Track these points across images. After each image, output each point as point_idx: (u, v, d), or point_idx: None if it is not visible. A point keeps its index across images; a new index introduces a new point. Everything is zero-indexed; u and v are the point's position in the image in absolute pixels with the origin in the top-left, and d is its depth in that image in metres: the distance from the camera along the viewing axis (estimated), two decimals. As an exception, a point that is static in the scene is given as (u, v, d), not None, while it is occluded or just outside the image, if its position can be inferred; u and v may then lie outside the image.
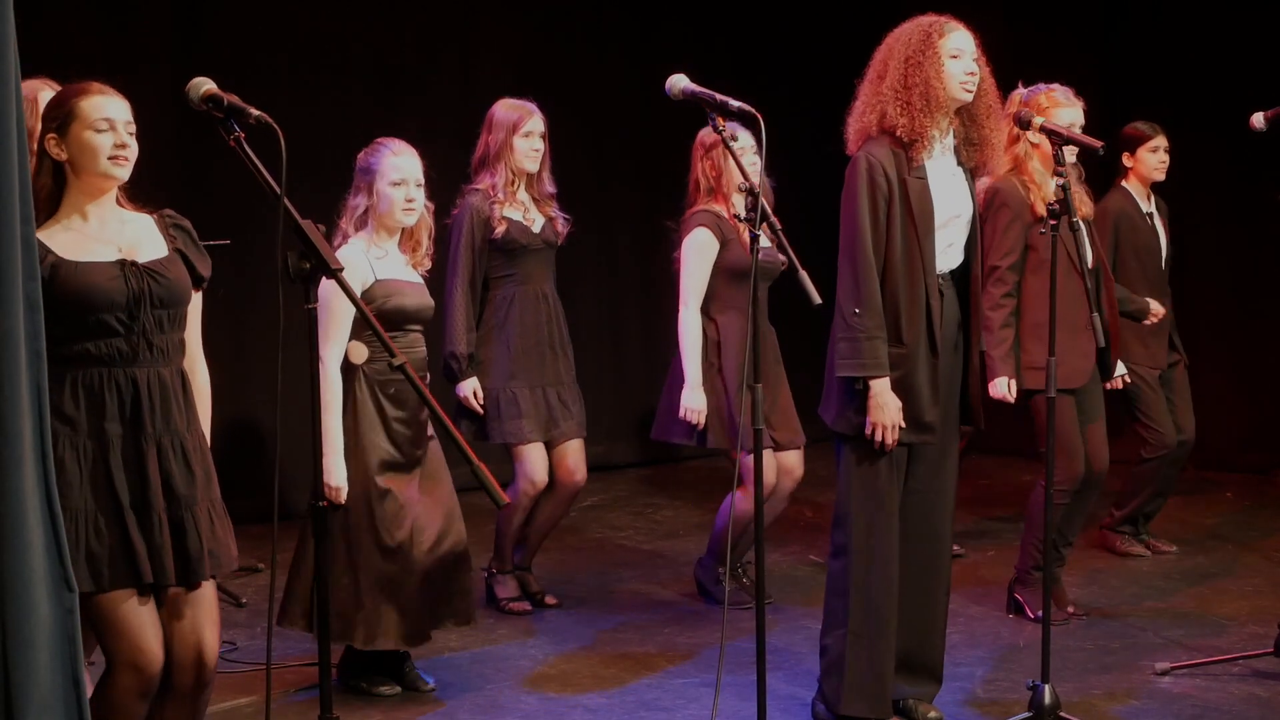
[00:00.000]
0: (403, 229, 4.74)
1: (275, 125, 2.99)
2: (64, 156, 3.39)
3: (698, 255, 5.58)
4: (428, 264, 4.83)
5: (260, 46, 7.32)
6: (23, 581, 2.75)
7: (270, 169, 3.00)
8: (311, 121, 7.03)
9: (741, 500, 5.55)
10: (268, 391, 7.10)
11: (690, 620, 5.62)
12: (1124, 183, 6.31)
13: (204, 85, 3.13)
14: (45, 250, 3.32)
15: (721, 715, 4.46)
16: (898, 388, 4.19)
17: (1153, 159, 6.28)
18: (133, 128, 3.42)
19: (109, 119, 3.38)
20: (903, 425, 4.19)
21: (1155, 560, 6.39)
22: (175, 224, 3.56)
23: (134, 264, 3.40)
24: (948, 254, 4.29)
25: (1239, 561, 6.39)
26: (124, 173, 3.42)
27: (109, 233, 3.44)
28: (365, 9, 7.81)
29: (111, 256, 3.40)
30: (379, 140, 4.78)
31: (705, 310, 5.62)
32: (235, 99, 3.10)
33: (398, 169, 4.67)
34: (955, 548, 6.50)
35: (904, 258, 4.18)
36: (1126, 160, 6.30)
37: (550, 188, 5.67)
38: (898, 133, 4.16)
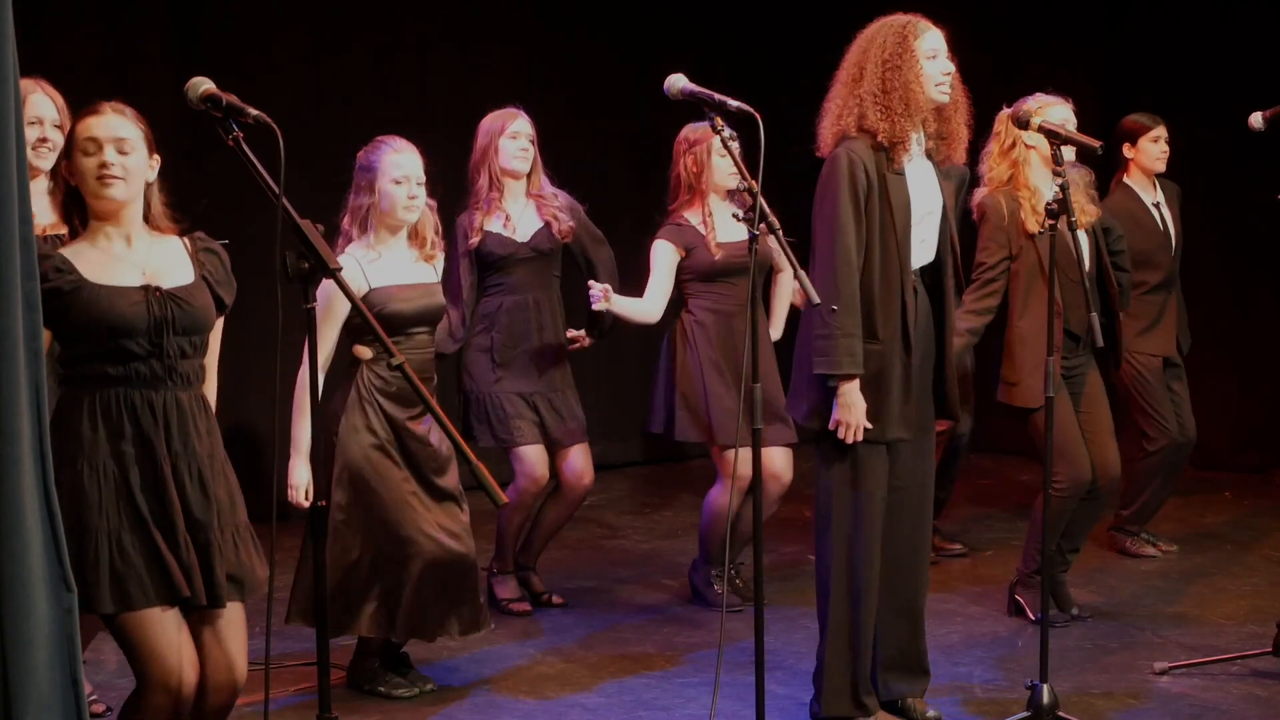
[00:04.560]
0: (407, 226, 4.75)
1: (274, 125, 2.99)
2: (75, 181, 3.39)
3: (660, 262, 5.62)
4: (439, 255, 4.83)
5: (260, 46, 7.32)
6: (21, 581, 2.75)
7: (269, 168, 3.00)
8: (310, 121, 7.02)
9: (719, 495, 5.61)
10: (266, 391, 7.09)
11: (689, 620, 5.62)
12: (1126, 178, 6.27)
13: (203, 85, 3.14)
14: (70, 268, 3.30)
15: (720, 716, 4.46)
16: (873, 385, 4.18)
17: (1154, 149, 6.25)
18: (125, 144, 3.35)
19: (94, 138, 3.35)
20: (868, 427, 4.17)
21: (1154, 560, 6.38)
22: (206, 248, 3.53)
23: (158, 289, 3.37)
24: (921, 249, 4.29)
25: (1237, 561, 6.39)
26: (114, 192, 3.36)
27: (135, 255, 3.41)
28: (365, 8, 7.80)
29: (135, 281, 3.36)
30: (379, 138, 4.77)
31: (684, 305, 5.66)
32: (234, 99, 3.10)
33: (399, 166, 4.67)
34: (958, 547, 6.56)
35: (881, 255, 4.17)
36: (1128, 151, 6.26)
37: (547, 189, 5.66)
38: (879, 136, 4.14)
